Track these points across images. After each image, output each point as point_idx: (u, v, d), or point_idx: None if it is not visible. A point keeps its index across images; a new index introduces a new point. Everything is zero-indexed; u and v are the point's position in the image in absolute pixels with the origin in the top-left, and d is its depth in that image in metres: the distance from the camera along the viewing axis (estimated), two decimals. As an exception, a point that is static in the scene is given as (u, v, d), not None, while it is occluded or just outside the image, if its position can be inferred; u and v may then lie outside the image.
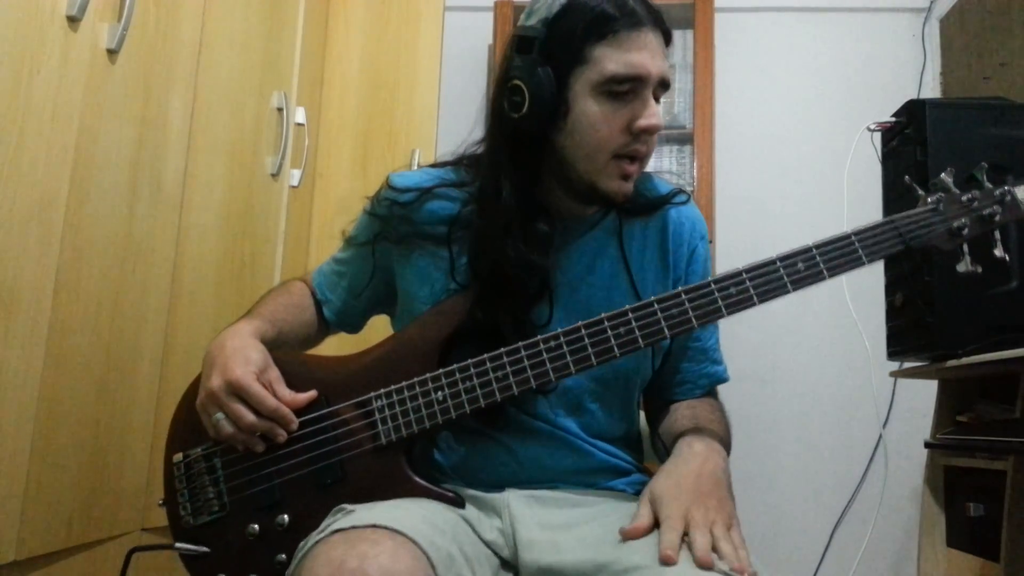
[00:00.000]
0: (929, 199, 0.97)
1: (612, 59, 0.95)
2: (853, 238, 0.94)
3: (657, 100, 0.99)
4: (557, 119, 0.98)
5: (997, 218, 0.95)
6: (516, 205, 1.01)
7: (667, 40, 1.00)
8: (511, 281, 0.99)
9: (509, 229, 1.00)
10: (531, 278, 1.00)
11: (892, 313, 1.87)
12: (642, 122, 0.97)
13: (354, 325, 1.20)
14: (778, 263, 0.93)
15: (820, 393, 2.73)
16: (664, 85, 0.99)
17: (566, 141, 0.99)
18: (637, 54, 0.96)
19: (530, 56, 0.98)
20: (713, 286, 0.93)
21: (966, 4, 2.65)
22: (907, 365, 1.90)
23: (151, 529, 1.44)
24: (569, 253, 1.06)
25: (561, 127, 0.99)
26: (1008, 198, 0.96)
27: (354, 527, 0.82)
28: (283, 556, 0.94)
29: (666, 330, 0.93)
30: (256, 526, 0.97)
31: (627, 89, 0.96)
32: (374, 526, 0.82)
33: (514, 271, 0.99)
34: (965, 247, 0.96)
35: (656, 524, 0.86)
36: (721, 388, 1.16)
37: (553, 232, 1.02)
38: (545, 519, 0.96)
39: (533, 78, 0.97)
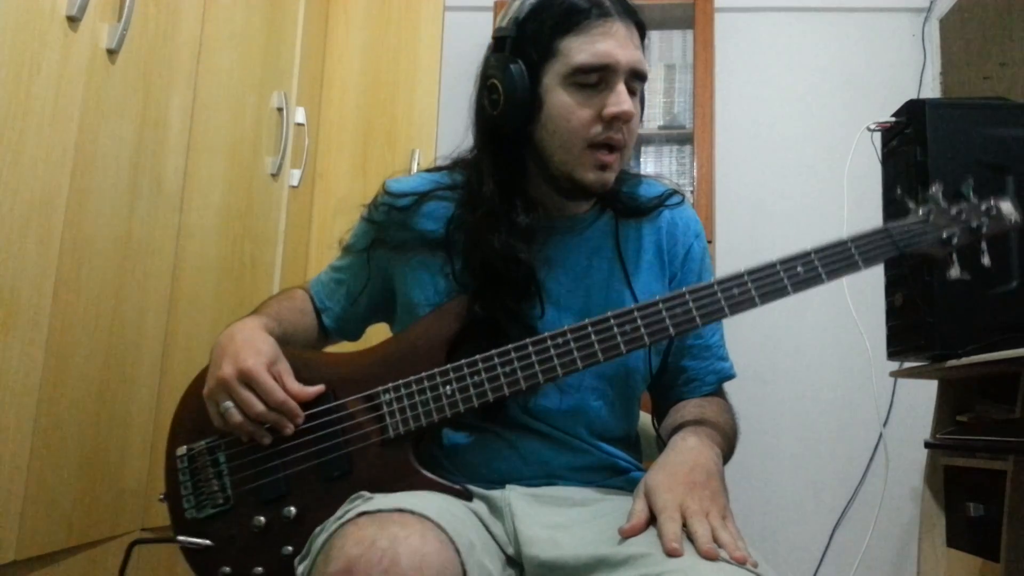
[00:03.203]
0: (920, 211, 1.02)
1: (579, 49, 0.98)
2: (850, 244, 0.98)
3: (633, 92, 1.01)
4: (533, 113, 1.01)
5: (984, 229, 1.01)
6: (499, 199, 1.03)
7: (641, 32, 1.03)
8: (499, 273, 1.01)
9: (493, 222, 1.02)
10: (516, 269, 1.01)
11: (892, 313, 1.87)
12: (611, 108, 0.98)
13: (354, 332, 1.21)
14: (778, 266, 0.96)
15: (820, 393, 2.73)
16: (639, 76, 1.01)
17: (542, 134, 1.01)
18: (603, 43, 0.98)
19: (504, 54, 1.01)
20: (716, 287, 0.96)
21: (966, 4, 2.65)
22: (907, 365, 1.90)
23: (151, 529, 1.44)
24: (567, 252, 1.07)
25: (537, 121, 1.01)
26: (994, 212, 1.02)
27: (380, 510, 0.83)
28: (290, 548, 0.94)
29: (671, 328, 0.95)
30: (262, 518, 0.96)
31: (596, 79, 0.98)
32: (400, 510, 0.82)
33: (500, 262, 1.01)
34: (954, 255, 1.01)
35: (652, 517, 0.86)
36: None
37: (535, 224, 1.04)
38: (546, 519, 0.96)
39: (507, 75, 1.00)
